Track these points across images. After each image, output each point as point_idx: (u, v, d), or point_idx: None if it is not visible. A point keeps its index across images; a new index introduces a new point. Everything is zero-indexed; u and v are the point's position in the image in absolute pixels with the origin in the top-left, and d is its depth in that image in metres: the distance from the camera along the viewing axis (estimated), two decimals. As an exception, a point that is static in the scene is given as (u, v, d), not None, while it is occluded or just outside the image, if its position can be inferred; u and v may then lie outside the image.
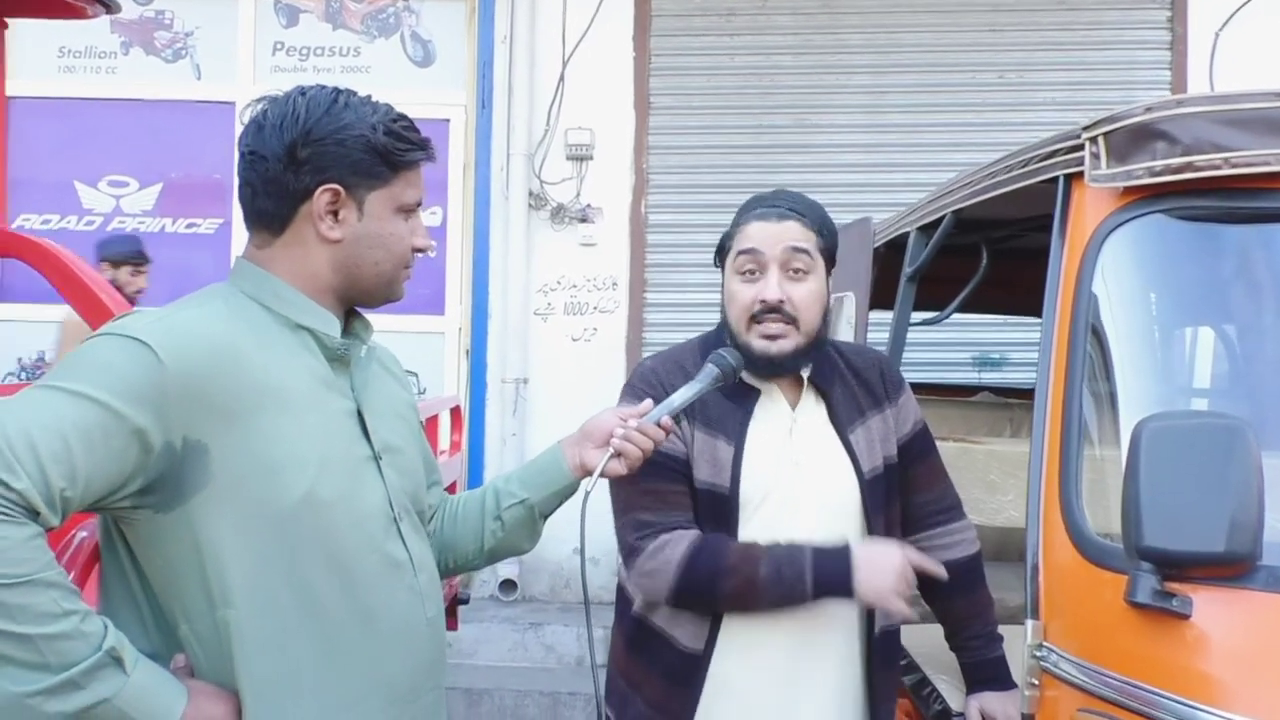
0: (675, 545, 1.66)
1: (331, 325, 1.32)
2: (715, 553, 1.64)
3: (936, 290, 2.56)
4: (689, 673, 1.71)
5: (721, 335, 1.80)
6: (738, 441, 1.71)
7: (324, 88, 1.33)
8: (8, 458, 1.05)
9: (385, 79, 5.34)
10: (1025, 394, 3.91)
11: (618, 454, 1.46)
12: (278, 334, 1.28)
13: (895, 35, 5.19)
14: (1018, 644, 1.93)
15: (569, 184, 5.16)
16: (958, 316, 2.46)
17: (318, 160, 1.27)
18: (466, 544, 1.52)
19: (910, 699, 2.11)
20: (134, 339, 1.14)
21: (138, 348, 1.14)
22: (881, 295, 2.60)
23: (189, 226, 5.40)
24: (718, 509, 1.69)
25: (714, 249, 5.80)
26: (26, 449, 1.05)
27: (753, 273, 1.71)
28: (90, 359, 1.14)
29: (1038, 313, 3.70)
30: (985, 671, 1.83)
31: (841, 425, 1.74)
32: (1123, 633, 1.38)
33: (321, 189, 1.28)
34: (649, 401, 1.53)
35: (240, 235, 5.36)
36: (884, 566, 1.60)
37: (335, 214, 1.29)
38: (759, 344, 1.69)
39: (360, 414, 1.33)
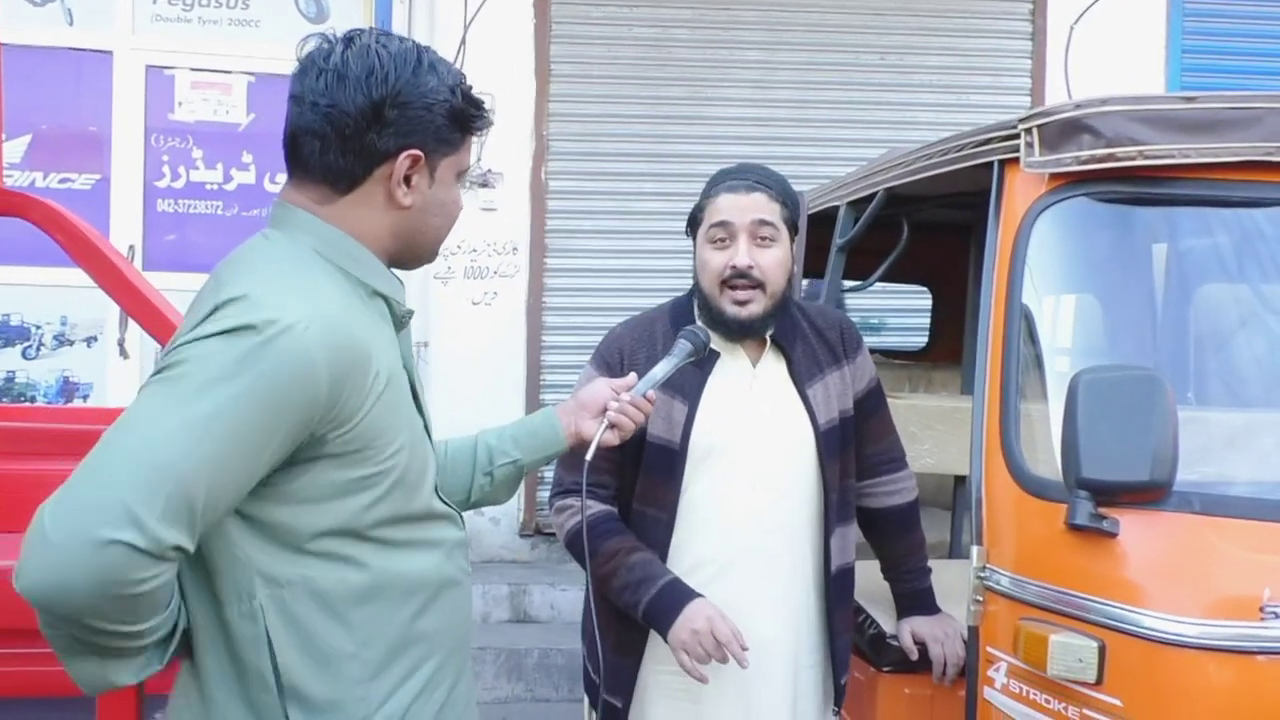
0: (571, 516, 1.88)
1: (400, 291, 1.31)
2: (593, 539, 1.80)
3: (854, 260, 2.80)
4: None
5: (691, 300, 1.96)
6: (693, 401, 1.87)
7: (401, 40, 1.26)
8: (170, 513, 1.03)
9: (275, 34, 5.20)
10: (909, 355, 4.25)
11: (612, 425, 1.58)
12: (361, 305, 1.24)
13: (786, 14, 5.42)
14: (941, 575, 2.21)
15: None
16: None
17: (404, 124, 1.22)
18: (452, 494, 1.53)
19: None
20: (304, 347, 1.10)
21: (304, 357, 1.10)
22: (806, 264, 2.81)
23: (63, 182, 5.13)
24: (667, 461, 1.86)
25: (614, 214, 6.00)
26: (181, 495, 1.04)
27: (723, 241, 1.87)
28: (256, 362, 1.08)
29: (930, 282, 4.00)
30: (916, 600, 2.08)
31: (801, 380, 1.91)
32: (1058, 552, 1.64)
33: (405, 154, 1.23)
34: (633, 375, 1.66)
35: (122, 192, 5.15)
36: (691, 628, 1.73)
37: (409, 180, 1.26)
38: (730, 309, 1.86)
39: (412, 383, 1.33)
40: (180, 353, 1.10)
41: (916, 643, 2.02)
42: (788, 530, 1.89)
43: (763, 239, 1.86)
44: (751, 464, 1.87)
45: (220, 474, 1.07)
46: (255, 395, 1.08)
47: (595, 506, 1.87)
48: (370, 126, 1.21)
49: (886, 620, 2.15)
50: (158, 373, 1.11)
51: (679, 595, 1.77)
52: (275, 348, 1.09)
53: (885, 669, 2.12)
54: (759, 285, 1.85)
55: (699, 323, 1.90)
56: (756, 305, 1.85)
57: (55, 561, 1.00)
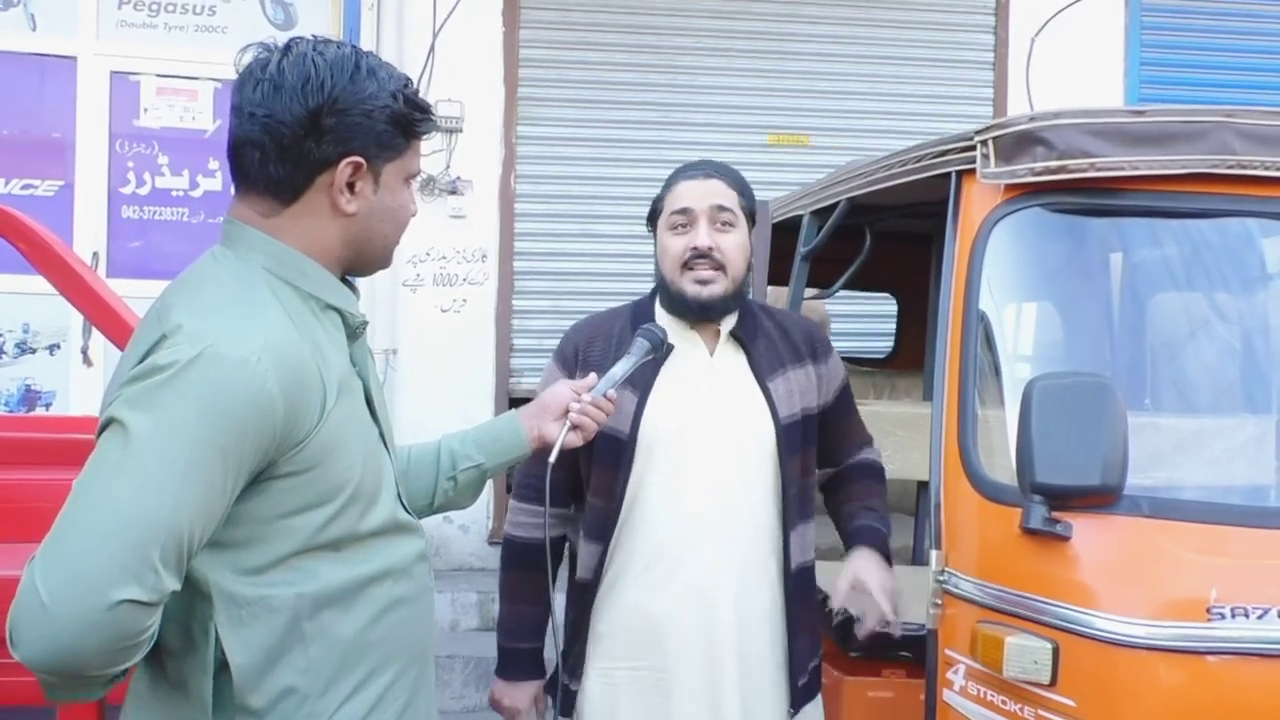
0: (524, 528, 1.94)
1: (354, 302, 1.31)
2: (512, 562, 1.96)
3: (819, 268, 2.83)
4: (586, 601, 1.90)
5: (653, 300, 1.97)
6: (643, 391, 1.86)
7: (340, 45, 1.25)
8: (167, 562, 1.06)
9: (241, 41, 5.00)
10: (874, 362, 4.30)
11: (574, 427, 1.59)
12: (313, 320, 1.24)
13: (759, 22, 5.47)
14: (904, 580, 2.23)
15: (438, 156, 5.18)
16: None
17: (342, 131, 1.21)
18: (416, 499, 1.51)
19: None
20: (257, 379, 1.11)
21: (258, 389, 1.11)
22: (771, 272, 2.85)
23: (25, 188, 5.06)
24: (615, 451, 1.86)
25: (582, 220, 5.97)
26: (173, 546, 1.07)
27: (683, 226, 1.88)
28: (215, 398, 1.09)
29: (894, 290, 4.05)
30: (866, 536, 1.93)
31: (761, 373, 1.90)
32: (1013, 555, 1.67)
33: (345, 161, 1.23)
34: (594, 376, 1.67)
35: (86, 198, 5.09)
36: (501, 700, 1.95)
37: (352, 186, 1.25)
38: (691, 289, 1.86)
39: (368, 393, 1.32)
40: (133, 391, 1.10)
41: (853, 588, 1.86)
42: (747, 525, 1.87)
43: (723, 223, 1.87)
44: (707, 455, 1.86)
45: (200, 514, 1.10)
46: (222, 434, 1.10)
47: (525, 530, 1.94)
48: (308, 135, 1.21)
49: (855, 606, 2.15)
50: (109, 422, 1.10)
51: (518, 664, 1.95)
52: (228, 381, 1.10)
53: (853, 654, 2.14)
54: (720, 267, 1.85)
55: (660, 312, 1.92)
56: (718, 286, 1.85)
57: (62, 629, 1.02)
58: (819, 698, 1.99)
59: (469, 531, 5.30)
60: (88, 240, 5.04)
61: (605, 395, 1.64)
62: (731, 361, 1.92)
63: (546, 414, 1.60)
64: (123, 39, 5.12)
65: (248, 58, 1.25)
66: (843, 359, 4.10)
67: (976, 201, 1.90)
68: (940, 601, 1.80)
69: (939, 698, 1.79)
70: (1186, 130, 1.76)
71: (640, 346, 1.75)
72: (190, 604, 1.16)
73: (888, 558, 1.90)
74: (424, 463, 1.56)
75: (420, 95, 1.30)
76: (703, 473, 1.86)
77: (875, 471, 2.09)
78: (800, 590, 1.94)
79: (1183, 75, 5.64)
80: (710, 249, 1.85)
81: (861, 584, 1.83)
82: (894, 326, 4.34)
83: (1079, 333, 1.97)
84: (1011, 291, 1.94)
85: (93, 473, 1.08)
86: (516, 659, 1.94)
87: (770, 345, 1.95)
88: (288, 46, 1.24)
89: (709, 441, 1.87)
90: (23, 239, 1.87)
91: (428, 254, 5.23)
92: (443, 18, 5.10)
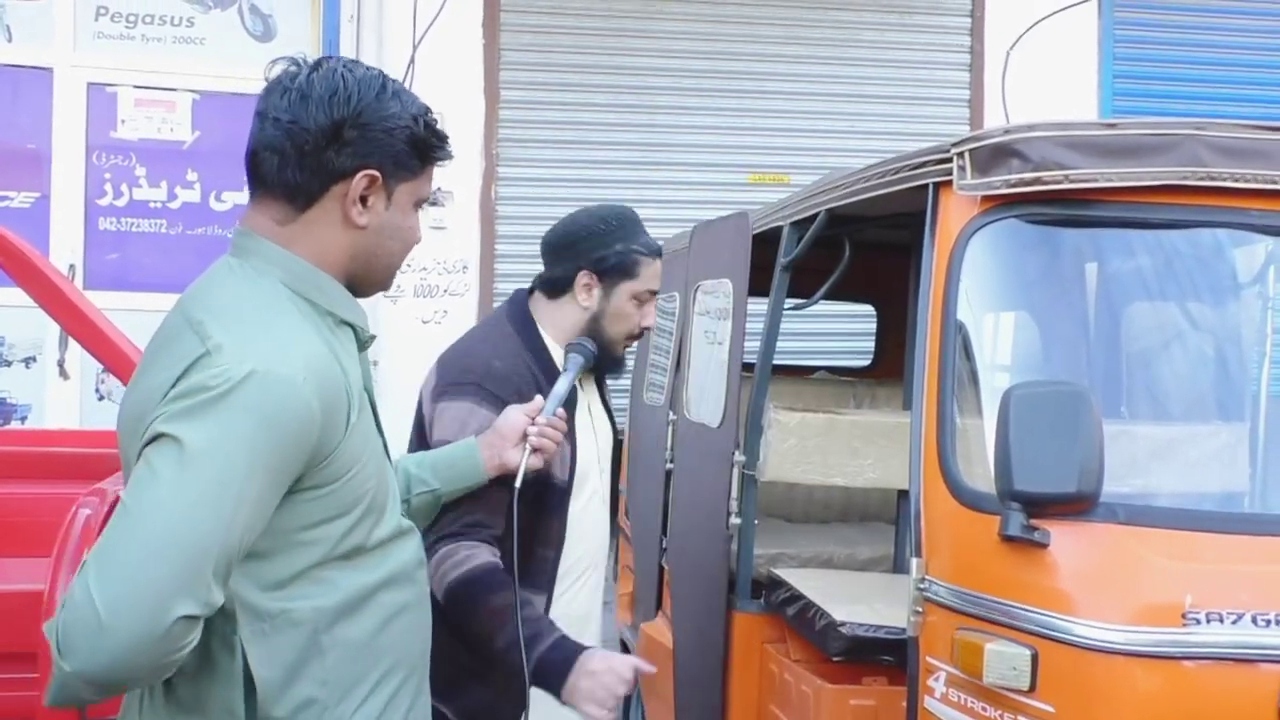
0: (455, 566, 1.73)
1: (364, 317, 1.35)
2: (478, 596, 1.72)
3: (799, 278, 2.85)
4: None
5: (538, 336, 2.01)
6: (572, 439, 1.94)
7: (368, 67, 1.32)
8: (218, 576, 1.09)
9: (221, 52, 5.16)
10: (854, 371, 4.32)
11: (535, 450, 1.65)
12: (330, 336, 1.27)
13: (745, 27, 5.52)
14: (886, 588, 2.24)
15: (419, 167, 5.19)
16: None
17: (363, 144, 1.26)
18: None
19: (792, 629, 2.38)
20: (304, 398, 1.15)
21: (305, 408, 1.15)
22: (752, 283, 2.86)
23: (1, 200, 5.04)
24: (560, 501, 1.92)
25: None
26: (224, 561, 1.10)
27: (645, 303, 2.04)
28: (268, 417, 1.13)
29: (874, 300, 4.08)
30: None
31: (606, 402, 2.16)
32: (992, 563, 1.68)
33: (362, 174, 1.27)
34: (539, 398, 1.74)
35: (63, 210, 5.05)
36: (605, 681, 1.65)
37: (365, 200, 1.29)
38: (622, 355, 2.08)
39: (373, 404, 1.36)
40: (183, 407, 1.11)
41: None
42: (605, 533, 2.09)
43: None
44: (601, 481, 2.06)
45: (249, 529, 1.13)
46: (272, 452, 1.13)
47: (482, 557, 1.75)
48: (329, 144, 1.25)
49: (837, 610, 2.17)
50: (158, 436, 1.10)
51: (570, 649, 1.71)
52: (279, 400, 1.14)
53: (835, 659, 2.16)
54: None
55: (557, 350, 1.99)
56: None
57: (120, 644, 1.03)
58: None
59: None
60: (64, 252, 5.01)
61: (555, 414, 1.73)
62: (593, 394, 2.12)
63: (505, 441, 1.67)
64: (100, 50, 5.11)
65: (278, 69, 1.30)
66: (825, 369, 4.16)
67: (954, 213, 1.92)
68: (921, 609, 1.81)
69: (920, 705, 1.79)
70: (1157, 143, 1.79)
71: (575, 362, 1.86)
72: (210, 621, 1.16)
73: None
74: None
75: (439, 125, 1.35)
76: (599, 497, 2.05)
77: None
78: None
79: (1155, 88, 5.73)
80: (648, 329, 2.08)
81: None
82: (873, 337, 4.36)
83: (1055, 342, 2.00)
84: (989, 301, 1.95)
85: (148, 487, 1.09)
86: (563, 648, 1.71)
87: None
88: (318, 63, 1.30)
89: (600, 468, 2.06)
90: (4, 253, 1.85)
91: (408, 265, 5.17)
92: (423, 29, 5.12)
